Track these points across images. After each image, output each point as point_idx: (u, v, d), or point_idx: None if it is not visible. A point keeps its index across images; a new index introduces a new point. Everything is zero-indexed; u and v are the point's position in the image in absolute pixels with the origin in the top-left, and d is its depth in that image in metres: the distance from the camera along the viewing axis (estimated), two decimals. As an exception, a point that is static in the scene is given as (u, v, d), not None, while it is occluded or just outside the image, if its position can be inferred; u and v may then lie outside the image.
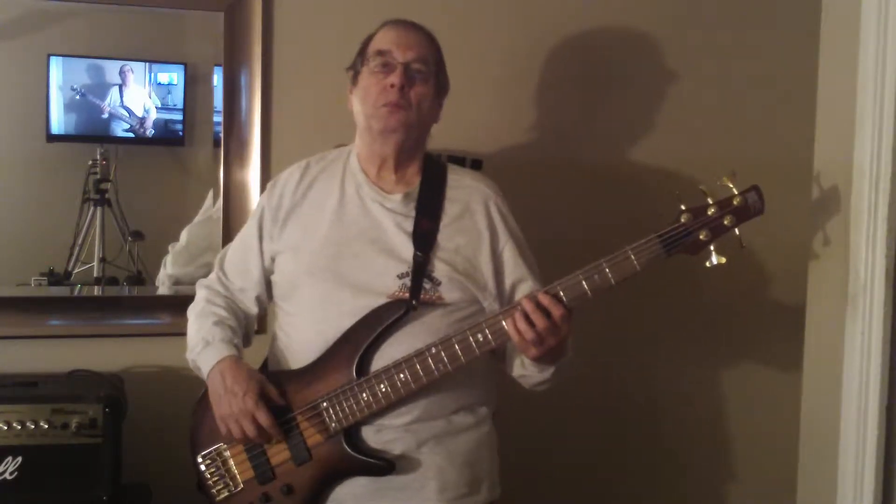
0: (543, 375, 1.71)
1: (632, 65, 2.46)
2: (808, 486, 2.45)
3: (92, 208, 2.36)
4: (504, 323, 1.61)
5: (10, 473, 1.89)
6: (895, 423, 2.18)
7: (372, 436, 1.68)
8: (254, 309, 1.85)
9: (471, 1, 2.37)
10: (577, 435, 2.47)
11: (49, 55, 2.31)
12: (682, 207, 1.64)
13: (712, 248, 1.65)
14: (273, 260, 1.81)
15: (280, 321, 1.82)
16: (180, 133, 2.42)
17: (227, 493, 1.74)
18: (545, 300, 1.59)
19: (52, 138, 2.34)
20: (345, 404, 1.65)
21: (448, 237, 1.73)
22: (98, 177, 2.35)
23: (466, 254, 1.73)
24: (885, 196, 2.11)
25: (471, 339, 1.63)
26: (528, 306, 1.58)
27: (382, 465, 1.66)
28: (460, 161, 2.02)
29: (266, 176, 2.25)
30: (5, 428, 1.90)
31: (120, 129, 2.38)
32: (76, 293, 2.37)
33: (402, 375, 1.63)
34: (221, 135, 2.29)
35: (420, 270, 1.68)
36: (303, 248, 1.75)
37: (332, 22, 2.28)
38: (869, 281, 2.14)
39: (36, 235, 2.34)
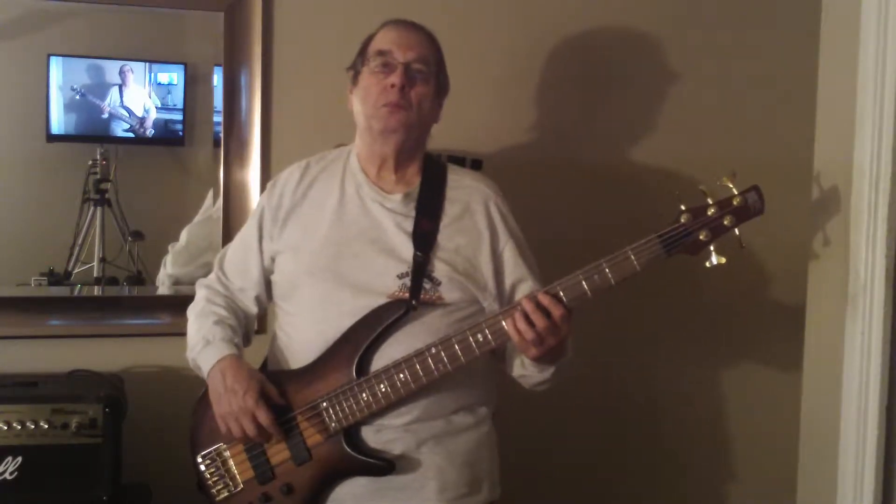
0: (543, 375, 1.71)
1: (632, 65, 2.46)
2: (808, 486, 2.45)
3: (92, 208, 2.35)
4: (504, 323, 1.61)
5: (10, 473, 1.89)
6: (895, 423, 2.18)
7: (372, 436, 1.68)
8: (253, 309, 1.85)
9: (471, 1, 2.37)
10: (577, 435, 2.46)
11: (49, 55, 2.30)
12: (682, 207, 1.64)
13: (712, 248, 1.65)
14: (273, 260, 1.81)
15: (280, 321, 1.82)
16: (180, 133, 2.42)
17: (226, 493, 1.74)
18: (545, 300, 1.58)
19: (52, 138, 2.34)
20: (344, 404, 1.65)
21: (448, 237, 1.72)
22: (98, 177, 2.35)
23: (466, 254, 1.73)
24: (885, 196, 2.11)
25: (471, 339, 1.63)
26: (528, 306, 1.58)
27: (382, 465, 1.66)
28: (460, 161, 2.02)
29: (266, 176, 2.25)
30: (5, 428, 1.90)
31: (120, 129, 2.38)
32: (76, 293, 2.37)
33: (401, 375, 1.63)
34: (221, 135, 2.28)
35: (420, 270, 1.68)
36: (303, 248, 1.75)
37: (332, 22, 2.28)
38: (869, 281, 2.14)
39: (36, 235, 2.34)
